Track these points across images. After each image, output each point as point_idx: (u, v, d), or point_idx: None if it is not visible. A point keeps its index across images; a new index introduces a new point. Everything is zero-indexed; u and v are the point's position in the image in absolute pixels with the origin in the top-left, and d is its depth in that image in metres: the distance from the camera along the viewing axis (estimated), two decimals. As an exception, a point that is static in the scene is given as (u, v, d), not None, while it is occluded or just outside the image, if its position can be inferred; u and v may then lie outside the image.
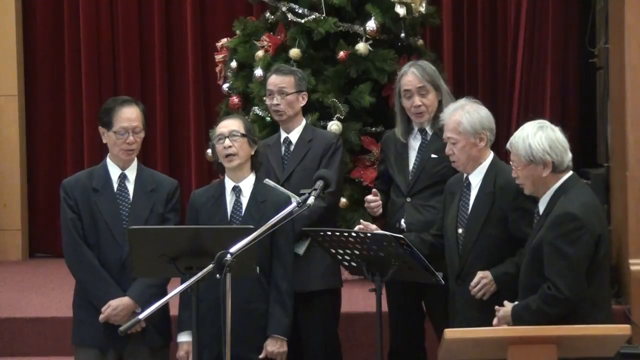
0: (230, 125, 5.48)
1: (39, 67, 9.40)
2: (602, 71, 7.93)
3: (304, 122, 6.00)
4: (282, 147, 5.93)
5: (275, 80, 5.94)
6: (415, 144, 5.84)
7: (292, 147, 5.91)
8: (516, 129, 7.99)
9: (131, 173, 5.52)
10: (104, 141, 5.54)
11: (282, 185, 5.72)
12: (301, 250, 5.73)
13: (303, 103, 5.97)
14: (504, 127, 8.49)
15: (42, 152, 9.42)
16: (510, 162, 4.97)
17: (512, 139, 4.94)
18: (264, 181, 5.68)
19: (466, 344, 4.34)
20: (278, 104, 5.89)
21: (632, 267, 6.62)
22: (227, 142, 5.43)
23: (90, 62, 9.26)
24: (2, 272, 8.63)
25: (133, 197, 5.48)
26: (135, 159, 5.55)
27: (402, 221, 5.76)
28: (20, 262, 9.20)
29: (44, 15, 9.39)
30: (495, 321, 4.95)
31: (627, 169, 6.73)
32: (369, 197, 5.84)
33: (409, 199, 5.78)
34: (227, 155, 5.45)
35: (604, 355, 4.41)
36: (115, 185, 5.49)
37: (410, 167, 5.82)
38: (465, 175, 5.36)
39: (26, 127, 9.36)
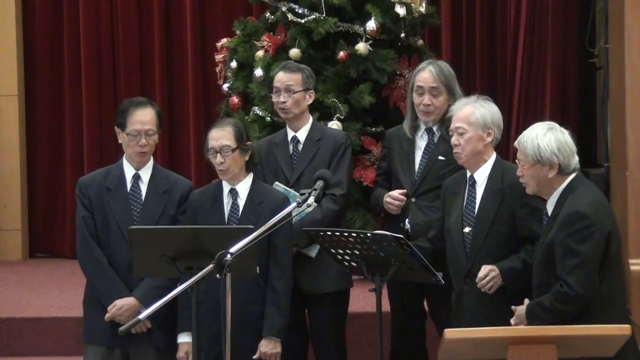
0: (220, 138, 5.43)
1: (39, 67, 9.39)
2: (602, 71, 7.93)
3: (311, 119, 5.96)
4: (289, 145, 5.89)
5: (282, 78, 5.89)
6: (421, 143, 5.83)
7: (300, 146, 5.87)
8: (516, 128, 8.04)
9: (145, 173, 5.53)
10: (119, 141, 5.57)
11: (292, 187, 5.71)
12: (313, 252, 5.73)
13: (310, 101, 5.93)
14: (504, 128, 8.47)
15: (42, 152, 9.41)
16: (517, 161, 4.98)
17: (520, 137, 4.95)
18: (274, 184, 5.67)
19: (466, 344, 4.34)
20: (284, 102, 5.85)
21: (632, 267, 6.62)
22: (219, 157, 5.42)
23: (90, 62, 9.26)
24: (2, 272, 8.63)
25: (145, 197, 5.50)
26: (152, 159, 5.57)
27: (407, 222, 5.75)
28: (20, 262, 9.19)
29: (44, 15, 9.38)
30: (513, 321, 4.97)
31: (627, 169, 6.73)
32: (396, 194, 5.77)
33: (413, 200, 5.76)
34: (220, 170, 5.45)
35: (604, 355, 4.41)
36: (129, 185, 5.52)
37: (417, 167, 5.80)
38: (468, 174, 5.36)
39: (26, 127, 9.36)
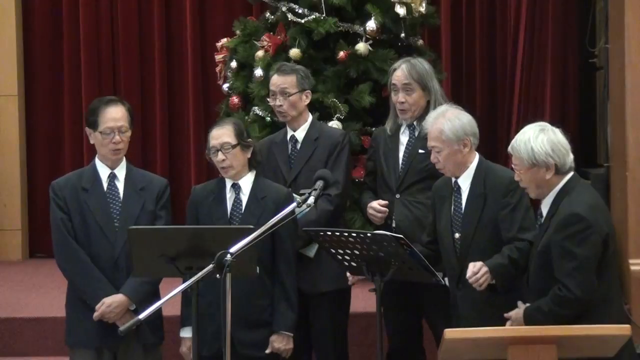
0: (220, 136, 5.45)
1: (39, 67, 9.39)
2: (602, 71, 7.93)
3: (310, 118, 5.96)
4: (288, 145, 5.90)
5: (277, 81, 5.89)
6: (404, 139, 5.87)
7: (298, 146, 5.88)
8: (516, 129, 8.02)
9: (120, 172, 5.52)
10: (91, 142, 5.54)
11: (290, 186, 5.71)
12: (312, 252, 5.72)
13: (307, 101, 5.93)
14: (504, 128, 8.49)
15: (42, 152, 9.41)
16: (513, 166, 4.97)
17: (513, 142, 4.94)
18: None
19: (466, 344, 4.34)
20: (281, 105, 5.86)
21: (632, 267, 6.62)
22: (220, 155, 5.43)
23: (90, 62, 9.26)
24: (2, 272, 8.63)
25: (123, 195, 5.48)
26: (124, 158, 5.56)
27: (393, 218, 5.76)
28: (20, 262, 9.19)
29: (43, 15, 9.38)
30: (508, 325, 4.96)
31: (627, 169, 6.73)
32: (377, 206, 5.80)
33: (398, 196, 5.78)
34: (222, 167, 5.45)
35: (604, 355, 4.42)
36: (105, 185, 5.50)
37: (400, 163, 5.82)
38: (453, 179, 5.36)
39: (26, 127, 9.36)
